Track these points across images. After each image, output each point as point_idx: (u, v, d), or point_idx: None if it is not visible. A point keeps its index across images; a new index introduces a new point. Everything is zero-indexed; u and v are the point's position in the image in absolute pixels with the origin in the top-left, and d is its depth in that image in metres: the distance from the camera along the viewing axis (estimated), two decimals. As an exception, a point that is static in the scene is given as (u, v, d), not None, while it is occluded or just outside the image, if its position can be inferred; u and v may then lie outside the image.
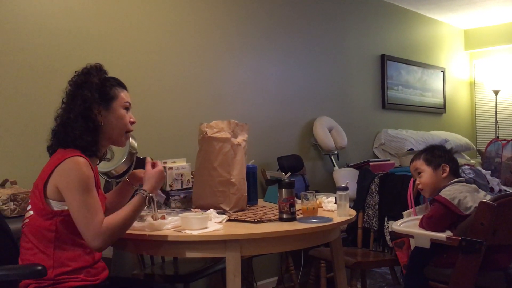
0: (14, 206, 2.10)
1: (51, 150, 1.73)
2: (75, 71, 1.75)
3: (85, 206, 1.58)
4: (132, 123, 1.82)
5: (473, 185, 2.19)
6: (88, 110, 1.68)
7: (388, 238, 2.87)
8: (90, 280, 1.65)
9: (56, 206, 1.62)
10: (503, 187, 4.36)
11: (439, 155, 2.27)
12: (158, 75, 3.05)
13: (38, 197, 1.63)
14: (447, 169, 2.23)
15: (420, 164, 2.29)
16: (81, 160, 1.61)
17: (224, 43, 3.43)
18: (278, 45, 3.81)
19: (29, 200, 1.70)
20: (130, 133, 1.88)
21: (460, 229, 1.99)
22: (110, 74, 1.84)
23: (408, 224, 2.23)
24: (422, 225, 2.11)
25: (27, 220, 1.67)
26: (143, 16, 2.99)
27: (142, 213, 1.97)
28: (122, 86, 1.81)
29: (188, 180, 2.36)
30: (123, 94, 1.78)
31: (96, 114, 1.70)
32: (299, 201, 2.09)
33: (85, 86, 1.69)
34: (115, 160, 2.12)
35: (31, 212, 1.66)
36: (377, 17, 4.81)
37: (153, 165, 1.93)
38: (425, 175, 2.27)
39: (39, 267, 1.49)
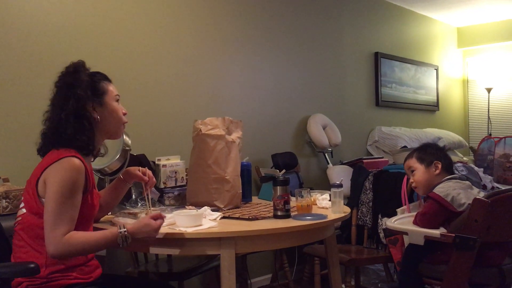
0: (6, 203, 2.08)
1: (42, 152, 1.70)
2: (61, 72, 1.71)
3: (58, 211, 1.54)
4: (124, 114, 1.81)
5: (467, 182, 2.20)
6: (81, 109, 1.66)
7: (382, 235, 2.87)
8: (83, 278, 1.64)
9: (47, 204, 1.60)
10: (496, 184, 4.38)
11: (431, 153, 2.28)
12: (152, 72, 3.03)
13: (31, 195, 1.62)
14: (440, 166, 2.24)
15: (413, 162, 2.31)
16: (76, 162, 1.59)
17: (219, 40, 3.41)
18: (273, 42, 3.81)
19: (22, 198, 1.68)
20: (124, 130, 1.88)
21: (454, 226, 2.00)
22: (104, 71, 1.83)
23: (402, 221, 2.24)
24: (416, 222, 2.12)
25: (19, 218, 1.65)
26: (138, 12, 2.97)
27: (136, 210, 1.96)
28: (108, 79, 1.80)
29: (182, 177, 2.36)
30: (111, 88, 1.78)
31: (91, 111, 1.69)
32: (293, 198, 2.08)
33: (77, 85, 1.67)
34: (109, 157, 2.10)
35: (24, 210, 1.64)
36: (371, 15, 4.81)
37: (143, 173, 1.92)
38: (418, 173, 2.28)
39: (32, 265, 1.49)
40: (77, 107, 1.65)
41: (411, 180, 2.34)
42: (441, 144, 4.06)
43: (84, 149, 1.67)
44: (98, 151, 1.82)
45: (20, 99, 2.47)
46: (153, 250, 1.81)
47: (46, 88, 1.77)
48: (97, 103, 1.71)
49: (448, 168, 2.27)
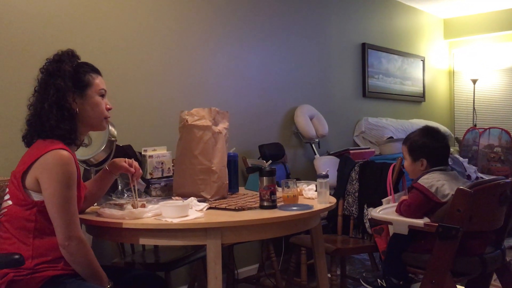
0: (-9, 194, 2.06)
1: (27, 139, 1.70)
2: (46, 58, 1.71)
3: (68, 204, 1.56)
4: (108, 109, 1.79)
5: (453, 172, 2.22)
6: (62, 99, 1.65)
7: (367, 225, 2.90)
8: (69, 269, 1.64)
9: (36, 196, 1.60)
10: (480, 175, 4.45)
11: (419, 149, 2.26)
12: (138, 61, 3.01)
13: (17, 187, 1.61)
14: (425, 163, 2.24)
15: (404, 151, 2.33)
16: (65, 154, 1.59)
17: (205, 30, 3.40)
18: (260, 32, 3.80)
19: (7, 190, 1.67)
20: (109, 120, 1.86)
21: (438, 215, 2.03)
22: (89, 61, 1.81)
23: (387, 211, 2.26)
24: (399, 210, 2.14)
25: (5, 210, 1.64)
26: (123, 3, 2.93)
27: (122, 201, 1.96)
28: (96, 71, 1.77)
29: (169, 168, 2.35)
30: (97, 81, 1.75)
31: (71, 102, 1.68)
32: (280, 189, 2.10)
33: (58, 75, 1.65)
34: (94, 147, 2.09)
35: (10, 202, 1.63)
36: (358, 5, 4.81)
37: (130, 165, 1.92)
38: (406, 162, 2.32)
39: (17, 256, 1.48)
40: (58, 97, 1.64)
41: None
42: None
43: (66, 138, 1.66)
44: (81, 142, 1.81)
45: (3, 90, 2.44)
46: (140, 241, 1.81)
47: (29, 79, 1.75)
48: (78, 94, 1.70)
49: (436, 163, 2.24)
